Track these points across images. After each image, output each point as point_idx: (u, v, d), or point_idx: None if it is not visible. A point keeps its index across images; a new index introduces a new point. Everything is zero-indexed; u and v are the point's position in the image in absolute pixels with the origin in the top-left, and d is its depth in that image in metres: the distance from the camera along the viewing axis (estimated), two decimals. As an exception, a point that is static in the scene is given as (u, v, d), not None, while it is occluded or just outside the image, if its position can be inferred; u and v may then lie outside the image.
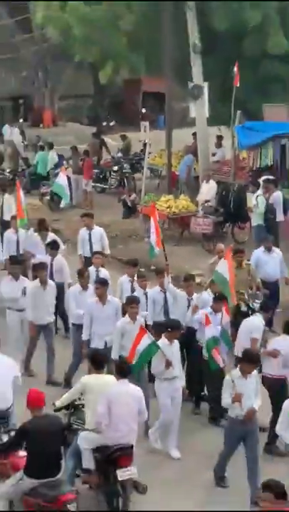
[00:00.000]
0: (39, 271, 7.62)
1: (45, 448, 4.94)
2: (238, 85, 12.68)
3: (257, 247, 9.81)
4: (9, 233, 9.78)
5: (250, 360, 5.39)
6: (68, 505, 4.80)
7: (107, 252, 9.53)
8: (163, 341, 6.08)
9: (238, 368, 5.54)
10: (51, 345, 7.51)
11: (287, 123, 13.16)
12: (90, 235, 9.41)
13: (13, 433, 5.31)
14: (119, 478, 5.20)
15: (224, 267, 7.04)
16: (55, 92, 21.99)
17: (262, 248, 8.91)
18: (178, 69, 14.90)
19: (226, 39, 14.34)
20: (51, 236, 9.42)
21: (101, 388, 5.31)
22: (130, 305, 6.65)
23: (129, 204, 13.83)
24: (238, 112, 12.94)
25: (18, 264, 8.14)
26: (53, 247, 8.54)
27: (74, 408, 5.75)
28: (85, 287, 7.38)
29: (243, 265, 8.33)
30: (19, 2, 20.77)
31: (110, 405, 5.12)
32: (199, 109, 14.38)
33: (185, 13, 13.96)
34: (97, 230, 9.64)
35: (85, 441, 5.35)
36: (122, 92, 23.24)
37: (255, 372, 5.56)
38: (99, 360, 5.54)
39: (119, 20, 14.07)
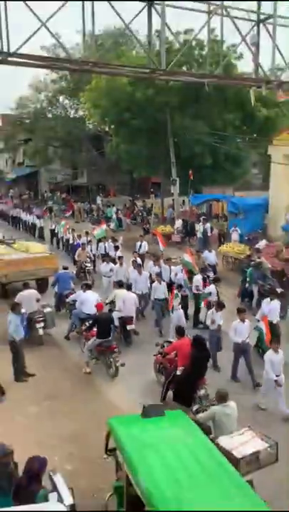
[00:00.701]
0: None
1: (104, 326, 9.83)
2: (192, 179, 23.83)
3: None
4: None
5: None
6: (115, 351, 9.66)
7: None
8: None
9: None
10: None
11: (214, 194, 25.14)
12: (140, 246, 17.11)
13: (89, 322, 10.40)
14: (128, 328, 11.34)
15: (188, 257, 13.89)
16: (114, 182, 36.37)
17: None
18: (165, 173, 27.12)
19: (186, 159, 25.74)
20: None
21: (120, 294, 11.81)
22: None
23: (146, 229, 24.66)
24: (191, 190, 24.84)
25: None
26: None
27: (112, 302, 11.99)
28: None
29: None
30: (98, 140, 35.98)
31: (124, 300, 11.52)
32: (175, 189, 26.75)
33: (169, 148, 26.44)
34: (143, 243, 17.24)
35: (115, 315, 11.19)
36: (142, 182, 36.62)
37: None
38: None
39: (142, 153, 26.97)
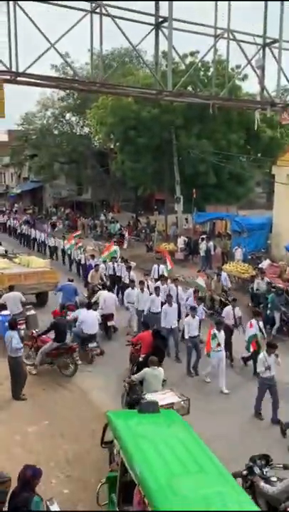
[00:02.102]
0: None
1: (62, 331, 10.56)
2: (195, 197, 23.90)
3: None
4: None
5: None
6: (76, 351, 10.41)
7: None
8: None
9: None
10: None
11: (216, 213, 24.82)
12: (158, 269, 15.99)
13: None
14: (109, 324, 12.68)
15: (201, 280, 14.19)
16: (119, 198, 36.44)
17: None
18: (169, 190, 27.34)
19: (190, 178, 25.81)
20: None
21: (103, 294, 13.16)
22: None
23: (149, 246, 25.24)
24: (195, 208, 24.54)
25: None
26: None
27: (95, 303, 12.74)
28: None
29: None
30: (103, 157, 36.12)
31: (105, 299, 12.89)
32: (179, 207, 26.92)
33: (174, 167, 26.85)
34: (161, 267, 15.93)
35: (98, 313, 12.13)
36: (146, 199, 36.47)
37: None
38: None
39: (147, 170, 26.98)
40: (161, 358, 9.31)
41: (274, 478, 5.73)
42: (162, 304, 12.42)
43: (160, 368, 8.30)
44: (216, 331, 10.05)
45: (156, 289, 13.10)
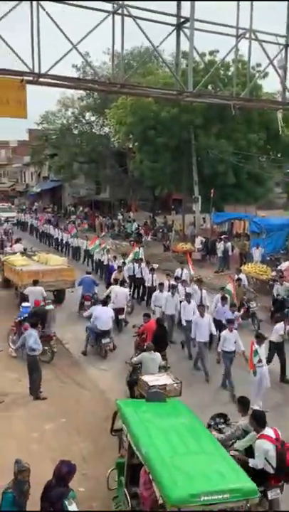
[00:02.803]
0: None
1: (41, 319, 11.00)
2: (213, 196, 24.04)
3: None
4: None
5: None
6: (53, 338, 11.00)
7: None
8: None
9: None
10: None
11: (234, 213, 24.90)
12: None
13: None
14: (120, 318, 13.18)
15: (230, 285, 13.13)
16: (137, 197, 36.52)
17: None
18: (188, 190, 27.22)
19: (208, 178, 26.12)
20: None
21: (115, 289, 13.57)
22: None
23: (166, 246, 25.43)
24: (213, 208, 24.86)
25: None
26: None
27: (107, 297, 12.96)
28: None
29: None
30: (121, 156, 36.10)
31: (117, 294, 13.33)
32: (197, 207, 26.76)
33: (192, 166, 26.98)
34: (184, 271, 15.42)
35: (111, 307, 12.36)
36: (164, 198, 36.64)
37: None
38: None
39: (165, 170, 27.02)
40: (164, 346, 10.17)
41: (227, 431, 6.65)
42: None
43: (156, 352, 9.14)
44: (257, 346, 9.11)
45: (186, 294, 12.48)
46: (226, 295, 12.30)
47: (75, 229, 26.87)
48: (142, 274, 16.39)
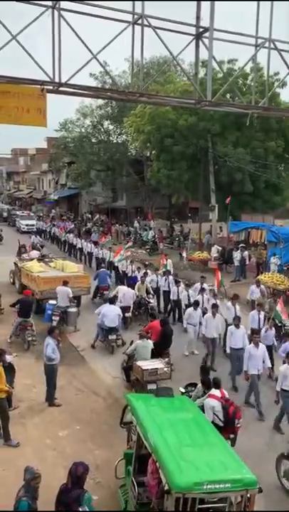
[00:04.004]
0: None
1: (26, 308, 12.76)
2: (229, 203, 22.99)
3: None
4: None
5: None
6: (28, 329, 12.46)
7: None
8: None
9: None
10: None
11: (251, 222, 23.76)
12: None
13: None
14: (126, 315, 13.60)
15: (280, 308, 11.70)
16: (153, 205, 36.32)
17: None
18: (205, 198, 26.91)
19: (224, 185, 25.92)
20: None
21: (122, 289, 14.54)
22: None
23: (182, 255, 24.61)
24: (230, 216, 24.04)
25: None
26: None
27: (115, 297, 13.73)
28: None
29: None
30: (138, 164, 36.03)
31: (124, 294, 14.15)
32: (213, 215, 26.74)
33: (209, 175, 26.71)
34: (205, 286, 14.57)
35: (118, 305, 13.03)
36: (180, 206, 36.26)
37: None
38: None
39: (182, 178, 26.85)
40: (168, 344, 10.86)
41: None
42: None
43: (149, 340, 10.08)
44: None
45: (237, 319, 11.03)
46: (275, 319, 11.31)
47: (103, 238, 25.51)
48: (169, 287, 15.69)
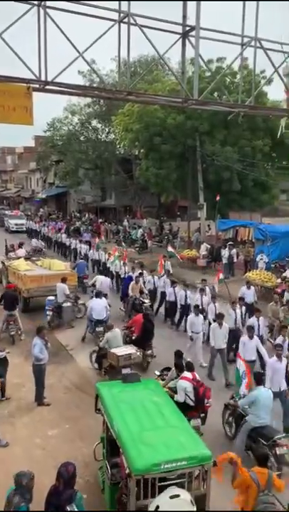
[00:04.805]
0: None
1: (9, 301, 12.97)
2: (218, 200, 22.88)
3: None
4: None
5: None
6: (11, 324, 12.76)
7: None
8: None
9: None
10: None
11: (239, 220, 24.26)
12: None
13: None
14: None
15: None
16: (142, 204, 36.52)
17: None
18: (193, 197, 27.06)
19: (213, 183, 26.09)
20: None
21: (100, 278, 15.79)
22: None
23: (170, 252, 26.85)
24: (218, 215, 24.32)
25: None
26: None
27: (93, 285, 15.69)
28: None
29: None
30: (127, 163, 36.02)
31: (102, 282, 15.32)
32: (202, 214, 26.99)
33: (197, 173, 26.87)
34: (206, 289, 13.97)
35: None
36: (169, 205, 36.54)
37: None
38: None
39: (171, 177, 26.94)
40: (150, 337, 11.39)
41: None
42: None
43: (116, 329, 10.73)
44: None
45: (249, 328, 10.39)
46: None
47: (97, 239, 24.76)
48: (159, 286, 15.69)
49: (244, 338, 10.09)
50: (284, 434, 7.37)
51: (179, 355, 8.84)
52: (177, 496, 4.92)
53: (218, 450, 6.21)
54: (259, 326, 11.19)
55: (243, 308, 12.65)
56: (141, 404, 6.16)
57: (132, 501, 5.02)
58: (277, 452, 6.94)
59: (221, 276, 15.20)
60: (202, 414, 7.88)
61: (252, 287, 14.66)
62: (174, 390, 8.02)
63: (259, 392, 7.42)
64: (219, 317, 11.07)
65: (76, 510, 4.94)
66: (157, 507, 4.83)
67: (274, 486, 5.33)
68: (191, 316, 12.00)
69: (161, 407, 6.12)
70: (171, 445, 5.27)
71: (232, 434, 8.23)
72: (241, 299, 13.29)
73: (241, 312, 12.18)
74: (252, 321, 11.27)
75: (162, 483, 5.08)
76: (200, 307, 12.66)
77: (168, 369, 9.04)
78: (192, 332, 11.74)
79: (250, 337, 9.95)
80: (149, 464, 4.95)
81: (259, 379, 7.65)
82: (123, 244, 22.31)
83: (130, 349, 10.05)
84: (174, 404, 6.45)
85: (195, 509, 4.99)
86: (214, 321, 11.50)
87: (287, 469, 6.94)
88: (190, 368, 8.22)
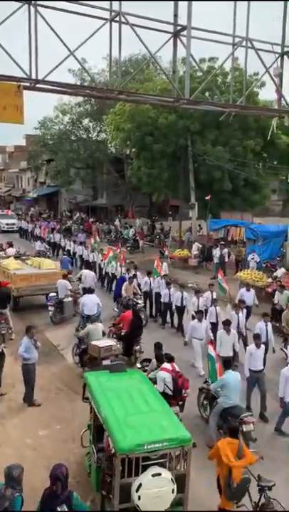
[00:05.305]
0: None
1: (2, 298, 12.95)
2: (209, 199, 23.29)
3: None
4: None
5: None
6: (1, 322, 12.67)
7: None
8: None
9: None
10: None
11: (230, 220, 23.99)
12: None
13: None
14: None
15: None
16: (133, 203, 36.40)
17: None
18: (184, 196, 27.08)
19: (204, 183, 25.96)
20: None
21: (85, 272, 16.55)
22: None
23: (163, 252, 24.01)
24: (210, 214, 24.77)
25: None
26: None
27: (79, 279, 16.08)
28: None
29: None
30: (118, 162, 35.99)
31: (86, 276, 16.08)
32: (193, 213, 26.90)
33: (189, 173, 26.63)
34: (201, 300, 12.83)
35: (81, 286, 15.64)
36: (160, 204, 36.52)
37: None
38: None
39: (162, 176, 27.03)
40: (139, 333, 11.55)
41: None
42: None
43: (100, 323, 11.04)
44: None
45: (256, 336, 9.66)
46: None
47: (92, 240, 23.44)
48: (151, 286, 15.40)
49: (251, 346, 9.40)
50: (250, 413, 8.08)
51: (158, 346, 9.21)
52: (159, 474, 5.37)
53: (196, 431, 7.07)
54: (267, 331, 10.42)
55: (244, 311, 12.18)
56: (126, 392, 6.53)
57: (116, 479, 5.37)
58: (244, 429, 7.46)
59: (219, 276, 14.83)
60: (180, 403, 8.22)
61: (251, 289, 14.13)
62: (154, 381, 8.25)
63: (228, 376, 8.05)
64: (226, 323, 10.40)
65: (66, 510, 4.94)
66: (140, 484, 5.26)
67: (245, 457, 5.92)
68: (194, 322, 11.42)
69: (145, 395, 6.51)
70: (153, 428, 5.68)
71: (206, 416, 8.77)
72: (242, 301, 12.81)
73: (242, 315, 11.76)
74: (260, 326, 10.52)
75: (145, 463, 5.45)
76: (197, 309, 12.19)
77: (148, 360, 9.41)
78: (193, 338, 11.23)
79: (258, 345, 9.26)
80: (133, 444, 5.34)
81: (228, 364, 8.35)
82: (120, 248, 21.01)
83: (110, 341, 10.38)
84: (157, 392, 6.90)
85: (175, 487, 5.43)
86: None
87: (253, 444, 7.45)
88: (169, 358, 8.53)
